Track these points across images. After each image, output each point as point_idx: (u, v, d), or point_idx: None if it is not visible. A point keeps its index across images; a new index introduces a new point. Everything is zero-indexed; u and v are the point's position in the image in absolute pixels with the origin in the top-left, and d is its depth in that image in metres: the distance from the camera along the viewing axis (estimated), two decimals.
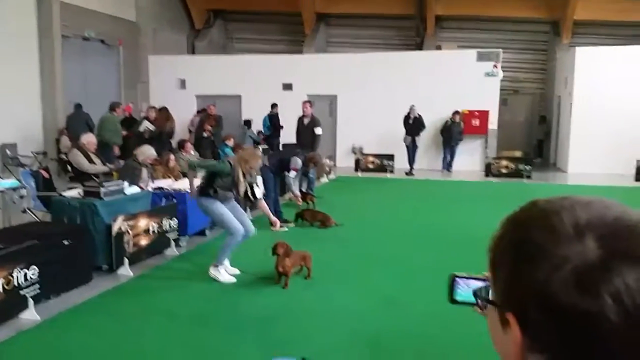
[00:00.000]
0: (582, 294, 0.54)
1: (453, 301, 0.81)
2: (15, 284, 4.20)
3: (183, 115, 14.34)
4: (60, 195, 5.99)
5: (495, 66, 14.30)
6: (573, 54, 14.11)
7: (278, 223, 5.98)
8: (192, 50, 19.04)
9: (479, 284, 0.77)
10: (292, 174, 7.88)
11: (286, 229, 7.39)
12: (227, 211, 5.32)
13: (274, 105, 14.09)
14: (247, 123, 14.89)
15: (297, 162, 7.87)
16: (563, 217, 0.58)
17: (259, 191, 5.73)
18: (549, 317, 0.55)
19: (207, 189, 5.29)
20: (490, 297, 0.65)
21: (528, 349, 0.58)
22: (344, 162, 14.70)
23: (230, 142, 10.79)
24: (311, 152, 9.23)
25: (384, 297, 4.87)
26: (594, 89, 13.50)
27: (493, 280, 0.64)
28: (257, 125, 14.84)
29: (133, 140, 10.32)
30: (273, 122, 14.14)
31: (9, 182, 6.43)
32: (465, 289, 0.80)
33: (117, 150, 10.33)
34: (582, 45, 14.38)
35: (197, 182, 5.47)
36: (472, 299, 0.77)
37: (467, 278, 0.80)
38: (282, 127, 13.92)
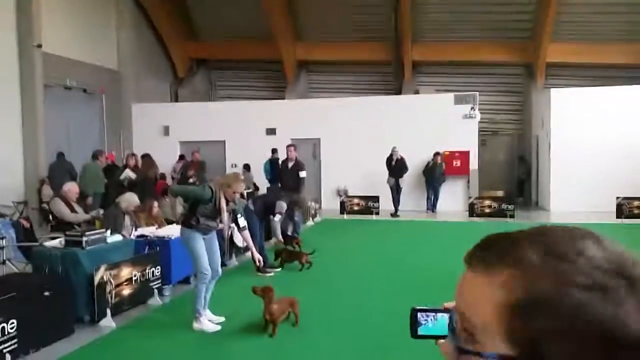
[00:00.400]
0: None
1: (415, 335, 0.79)
2: None
3: (167, 162, 14.33)
4: (41, 245, 5.88)
5: (472, 109, 14.64)
6: (548, 95, 14.54)
7: (261, 260, 5.91)
8: (176, 98, 19.21)
9: (439, 315, 0.77)
10: (277, 217, 7.87)
11: (272, 274, 7.32)
12: (203, 249, 5.13)
13: (274, 150, 14.02)
14: (247, 167, 14.82)
15: (282, 205, 7.87)
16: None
17: (243, 221, 5.54)
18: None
19: (189, 219, 5.15)
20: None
21: None
22: (330, 204, 14.73)
23: None
24: (296, 195, 9.26)
25: (372, 343, 4.79)
26: (570, 128, 13.86)
27: (510, 332, 0.57)
28: (256, 169, 14.60)
29: (114, 189, 10.23)
30: (274, 167, 14.03)
31: None
32: (427, 322, 0.79)
33: (89, 201, 10.11)
34: (557, 87, 14.85)
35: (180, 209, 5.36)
36: (435, 332, 0.76)
37: (427, 311, 0.79)
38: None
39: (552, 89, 14.63)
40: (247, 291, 5.06)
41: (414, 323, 0.79)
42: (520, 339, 0.57)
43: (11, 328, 4.21)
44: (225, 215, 5.22)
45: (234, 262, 8.16)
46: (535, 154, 16.13)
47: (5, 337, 4.16)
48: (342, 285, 6.81)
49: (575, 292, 0.56)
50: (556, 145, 14.10)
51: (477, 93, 14.97)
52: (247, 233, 5.63)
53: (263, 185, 13.81)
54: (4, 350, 4.14)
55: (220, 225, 5.62)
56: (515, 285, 0.58)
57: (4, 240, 6.64)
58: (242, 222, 5.50)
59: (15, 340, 4.24)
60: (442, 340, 0.79)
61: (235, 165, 15.00)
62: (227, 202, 5.21)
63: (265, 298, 4.89)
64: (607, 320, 0.55)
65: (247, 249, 7.21)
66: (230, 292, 6.22)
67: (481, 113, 15.01)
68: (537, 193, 16.15)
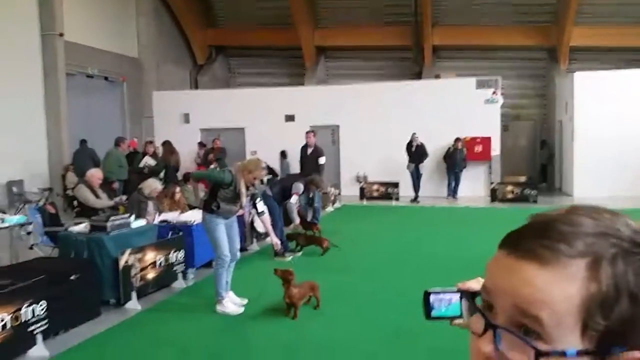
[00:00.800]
0: None
1: (429, 317, 0.80)
2: (24, 320, 4.16)
3: (188, 149, 14.44)
4: (67, 230, 5.98)
5: (494, 93, 14.43)
6: (571, 79, 14.25)
7: (279, 245, 5.94)
8: (195, 85, 19.30)
9: (452, 296, 0.77)
10: (294, 198, 7.80)
11: (290, 258, 7.36)
12: (223, 234, 5.18)
13: (283, 154, 13.97)
14: (283, 154, 14.83)
15: (299, 186, 7.82)
16: None
17: (262, 205, 5.54)
18: None
19: (209, 204, 5.18)
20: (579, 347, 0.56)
21: None
22: (349, 190, 14.70)
23: None
24: (313, 175, 9.25)
25: (393, 327, 4.79)
26: (594, 112, 13.58)
27: (586, 327, 0.56)
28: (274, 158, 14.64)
29: (136, 175, 10.35)
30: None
31: (16, 218, 6.43)
32: (440, 305, 0.79)
33: (115, 185, 10.26)
34: (580, 70, 14.53)
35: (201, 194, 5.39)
36: (448, 314, 0.76)
37: (439, 293, 0.79)
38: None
39: (575, 73, 14.32)
40: (268, 275, 5.10)
41: (427, 305, 0.79)
42: (600, 332, 0.55)
43: (41, 310, 4.31)
44: (244, 200, 5.24)
45: (254, 247, 8.22)
46: (559, 138, 15.86)
47: (36, 318, 4.26)
48: (362, 270, 6.82)
49: None
50: (579, 130, 13.85)
51: (500, 77, 14.71)
52: (266, 217, 5.65)
53: (282, 172, 13.85)
54: (35, 331, 4.25)
55: (240, 211, 5.65)
56: (595, 276, 0.55)
57: (31, 226, 6.79)
58: (261, 206, 5.52)
59: (46, 322, 4.34)
60: (457, 321, 0.78)
61: (255, 152, 15.05)
62: (247, 187, 5.23)
63: (285, 281, 4.93)
64: None
65: (267, 234, 7.27)
66: (251, 276, 6.27)
67: (503, 98, 14.79)
68: (560, 178, 15.90)
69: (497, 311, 0.60)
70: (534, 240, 0.58)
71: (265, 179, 9.84)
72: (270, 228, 5.72)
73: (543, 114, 17.85)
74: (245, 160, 5.77)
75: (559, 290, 0.55)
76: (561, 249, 0.56)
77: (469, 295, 0.67)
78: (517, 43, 17.07)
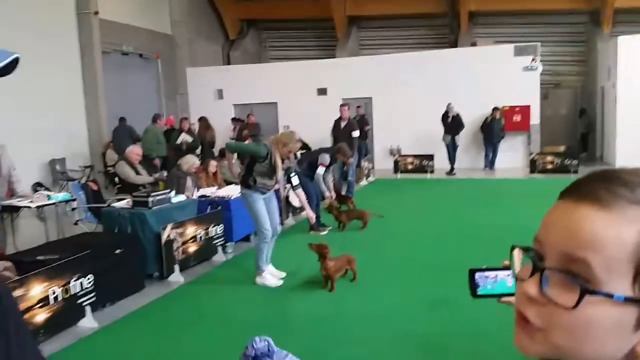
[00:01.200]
0: None
1: (475, 295, 0.80)
2: (73, 292, 4.33)
3: (223, 125, 14.55)
4: (110, 206, 6.15)
5: (533, 60, 13.98)
6: (615, 43, 13.65)
7: (314, 218, 5.97)
8: (228, 61, 19.34)
9: (497, 273, 0.77)
10: (320, 169, 7.67)
11: (325, 232, 7.40)
12: (263, 209, 5.23)
13: (358, 107, 13.89)
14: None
15: (325, 157, 7.73)
16: None
17: (296, 179, 5.54)
18: None
19: (247, 179, 5.22)
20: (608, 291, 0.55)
21: None
22: (382, 164, 14.61)
23: None
24: (339, 144, 9.19)
25: (431, 298, 4.80)
26: (639, 78, 13.02)
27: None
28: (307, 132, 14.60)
29: (174, 152, 10.53)
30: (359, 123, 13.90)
31: (61, 195, 6.64)
32: (485, 282, 0.79)
33: (157, 162, 10.46)
34: (625, 34, 13.90)
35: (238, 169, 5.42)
36: (495, 291, 0.76)
37: (484, 270, 0.79)
38: (368, 127, 13.72)
39: (619, 37, 13.70)
40: (304, 249, 5.15)
41: (473, 283, 0.80)
42: None
43: (89, 283, 4.48)
44: (280, 174, 5.26)
45: (290, 221, 8.30)
46: (600, 106, 15.31)
47: (84, 291, 4.43)
48: (398, 243, 6.81)
49: None
50: (623, 97, 13.32)
51: (539, 43, 14.22)
52: (301, 191, 5.66)
53: (314, 145, 13.81)
54: (84, 304, 4.42)
55: (277, 186, 5.67)
56: None
57: (75, 202, 7.02)
58: (295, 180, 5.53)
59: (93, 294, 4.51)
60: (506, 298, 0.77)
61: (288, 127, 15.07)
62: (282, 160, 5.23)
63: (321, 255, 4.97)
64: None
65: (302, 208, 7.30)
66: (288, 250, 6.35)
67: (543, 65, 14.29)
68: (601, 147, 15.41)
69: (546, 258, 0.59)
70: (596, 184, 0.58)
71: (298, 153, 9.85)
72: (305, 202, 5.73)
73: (583, 80, 17.23)
74: (279, 134, 5.77)
75: (614, 233, 0.54)
76: (622, 193, 0.55)
77: (521, 248, 0.65)
78: (557, 7, 16.41)
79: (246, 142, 11.76)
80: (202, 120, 12.15)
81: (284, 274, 5.47)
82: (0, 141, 6.01)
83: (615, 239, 0.54)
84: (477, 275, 0.79)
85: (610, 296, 0.54)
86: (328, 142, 10.95)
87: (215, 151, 11.54)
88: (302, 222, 8.00)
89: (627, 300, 0.54)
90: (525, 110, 13.92)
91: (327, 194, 7.79)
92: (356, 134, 9.88)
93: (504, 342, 3.83)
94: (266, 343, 2.91)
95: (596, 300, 0.54)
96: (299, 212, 8.41)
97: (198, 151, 11.04)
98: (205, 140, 11.42)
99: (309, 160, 7.99)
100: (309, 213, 5.75)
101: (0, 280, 0.81)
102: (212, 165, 7.94)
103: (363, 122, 13.65)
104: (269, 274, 5.38)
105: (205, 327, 4.38)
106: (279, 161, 5.16)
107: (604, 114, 15.05)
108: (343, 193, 9.08)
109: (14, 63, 0.76)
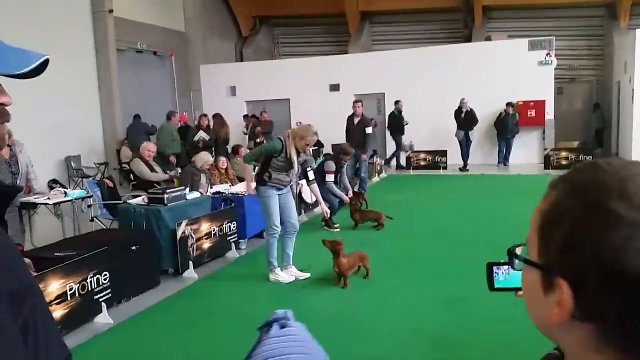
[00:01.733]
0: None
1: (493, 289, 0.84)
2: (90, 289, 4.39)
3: (236, 122, 14.60)
4: (126, 203, 6.22)
5: (548, 55, 13.83)
6: (633, 36, 13.42)
7: (329, 213, 5.97)
8: (241, 58, 19.39)
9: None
10: (329, 178, 7.59)
11: (339, 229, 7.39)
12: (276, 206, 5.20)
13: (397, 102, 13.91)
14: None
15: (330, 165, 7.66)
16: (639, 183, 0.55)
17: (312, 174, 5.53)
18: (614, 286, 0.52)
19: (262, 175, 5.20)
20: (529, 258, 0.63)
21: (573, 316, 0.56)
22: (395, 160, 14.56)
23: None
24: (360, 151, 9.21)
25: (446, 295, 4.79)
26: None
27: (541, 243, 0.60)
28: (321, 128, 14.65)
29: (189, 150, 10.59)
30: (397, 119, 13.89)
31: (77, 192, 6.73)
32: (503, 276, 0.83)
33: (173, 159, 10.52)
34: None
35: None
36: (511, 285, 0.80)
37: (502, 265, 0.82)
38: (405, 123, 13.80)
39: (637, 30, 13.48)
40: (318, 246, 5.16)
41: (490, 277, 0.83)
42: (547, 249, 0.59)
43: (105, 279, 4.54)
44: (296, 167, 5.22)
45: (303, 218, 8.31)
46: (617, 101, 15.09)
47: (100, 288, 4.49)
48: (411, 240, 6.79)
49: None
50: None
51: (554, 38, 14.07)
52: (316, 187, 5.66)
53: (327, 142, 13.82)
54: (100, 300, 4.48)
55: (294, 180, 5.66)
56: (552, 197, 0.61)
57: (91, 199, 7.10)
58: (312, 175, 5.53)
59: (109, 291, 4.57)
60: (522, 293, 0.80)
61: (301, 123, 15.08)
62: (298, 153, 5.22)
63: (334, 252, 4.98)
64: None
65: (316, 204, 7.29)
66: (301, 246, 6.34)
67: (558, 59, 14.15)
68: (617, 143, 15.20)
69: None
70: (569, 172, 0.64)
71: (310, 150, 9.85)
72: (319, 196, 5.73)
73: (599, 75, 17.00)
74: (296, 127, 5.76)
75: (536, 210, 0.62)
76: (568, 177, 0.61)
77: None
78: (572, 0, 16.19)
79: (258, 140, 11.83)
80: (217, 117, 12.21)
81: (308, 275, 5.41)
82: (17, 139, 6.09)
83: (535, 215, 0.62)
84: (495, 269, 0.83)
85: (520, 259, 0.64)
86: (340, 139, 10.93)
87: (230, 148, 11.57)
88: (314, 219, 8.01)
89: (527, 262, 0.63)
90: (539, 105, 13.78)
91: (344, 198, 7.67)
92: (369, 130, 9.86)
93: (519, 340, 3.82)
94: (286, 313, 2.92)
95: (524, 267, 0.64)
96: (312, 209, 8.42)
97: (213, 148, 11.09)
98: (220, 137, 11.47)
99: (315, 170, 7.96)
100: (324, 207, 5.76)
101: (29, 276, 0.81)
102: (222, 161, 7.99)
103: (401, 118, 13.76)
104: (282, 272, 5.38)
105: (219, 324, 4.42)
106: (294, 156, 5.13)
107: (620, 109, 14.83)
108: (356, 189, 9.06)
109: (45, 65, 0.77)
